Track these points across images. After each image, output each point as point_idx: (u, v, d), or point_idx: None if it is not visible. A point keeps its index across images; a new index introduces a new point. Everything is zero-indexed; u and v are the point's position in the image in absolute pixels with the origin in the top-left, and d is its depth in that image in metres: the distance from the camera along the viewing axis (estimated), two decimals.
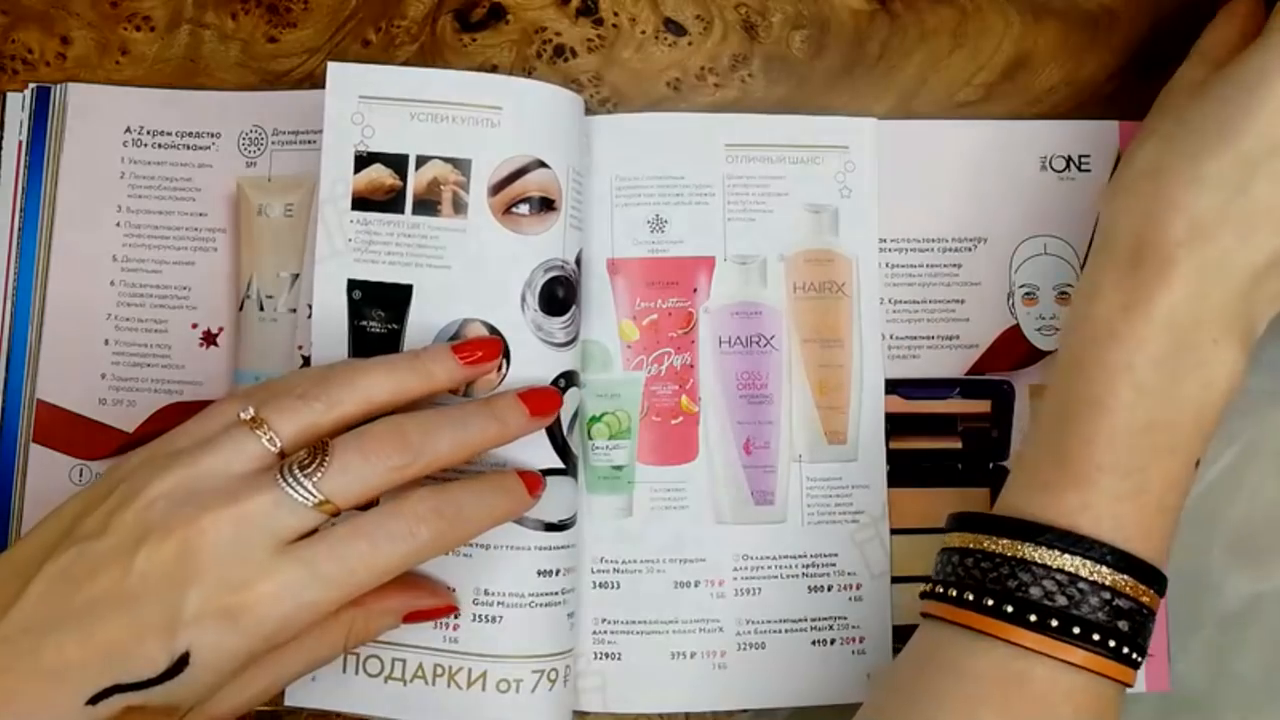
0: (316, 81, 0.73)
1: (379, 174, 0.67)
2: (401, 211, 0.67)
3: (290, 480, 0.53)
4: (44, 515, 0.56)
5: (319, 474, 0.53)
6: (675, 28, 0.75)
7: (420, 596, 0.63)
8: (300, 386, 0.57)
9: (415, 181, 0.67)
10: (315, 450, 0.54)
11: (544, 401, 0.63)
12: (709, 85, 0.74)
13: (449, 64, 0.74)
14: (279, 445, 0.55)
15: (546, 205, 0.67)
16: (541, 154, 0.67)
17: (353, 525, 0.54)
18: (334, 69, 0.68)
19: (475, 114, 0.67)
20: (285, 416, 0.56)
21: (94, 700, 0.48)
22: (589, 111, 0.72)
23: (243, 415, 0.55)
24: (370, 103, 0.67)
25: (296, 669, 0.58)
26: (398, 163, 0.67)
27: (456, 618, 0.66)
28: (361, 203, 0.67)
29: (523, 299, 0.66)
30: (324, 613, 0.53)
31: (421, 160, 0.67)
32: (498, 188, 0.67)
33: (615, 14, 0.74)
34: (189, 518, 0.51)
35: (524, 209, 0.67)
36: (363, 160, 0.67)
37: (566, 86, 0.69)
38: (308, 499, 0.53)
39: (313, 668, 0.59)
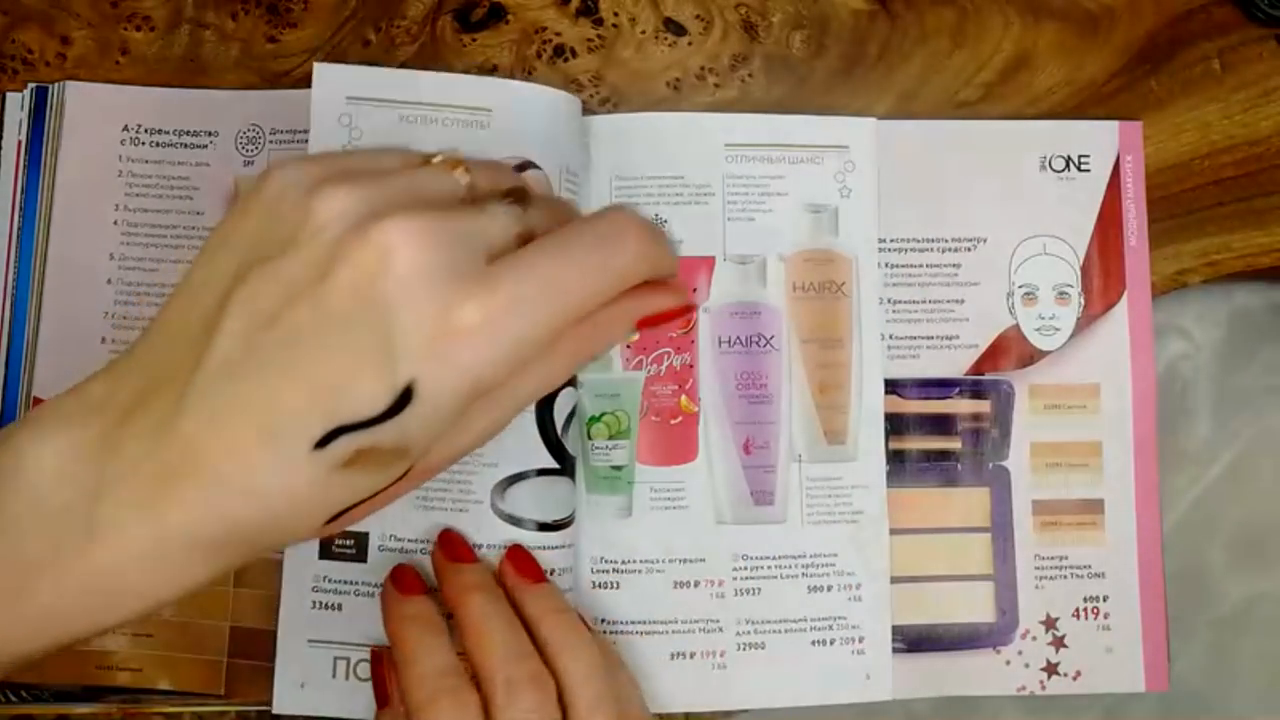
0: None
1: None
2: None
3: (491, 204, 0.47)
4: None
5: (519, 207, 0.47)
6: (675, 28, 0.74)
7: (653, 296, 0.52)
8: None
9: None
10: (512, 192, 0.49)
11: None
12: (709, 85, 0.74)
13: (449, 64, 0.74)
14: (475, 188, 0.49)
15: None
16: (532, 155, 0.67)
17: (556, 233, 0.47)
18: (320, 69, 0.68)
19: (465, 116, 0.68)
20: (483, 166, 0.51)
21: (322, 444, 0.43)
22: (588, 111, 0.72)
23: (434, 159, 0.50)
24: (358, 104, 0.68)
25: (527, 395, 0.50)
26: None
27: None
28: None
29: None
30: (551, 328, 0.45)
31: None
32: None
33: (615, 14, 0.74)
34: (384, 229, 0.43)
35: None
36: None
37: (566, 87, 0.70)
38: (509, 224, 0.47)
39: (542, 392, 0.51)
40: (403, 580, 0.63)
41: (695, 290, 0.72)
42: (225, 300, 0.44)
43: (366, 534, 0.68)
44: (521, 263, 0.45)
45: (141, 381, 0.45)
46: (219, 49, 0.74)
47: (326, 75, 0.68)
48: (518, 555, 0.65)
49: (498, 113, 0.67)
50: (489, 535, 0.66)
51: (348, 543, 0.67)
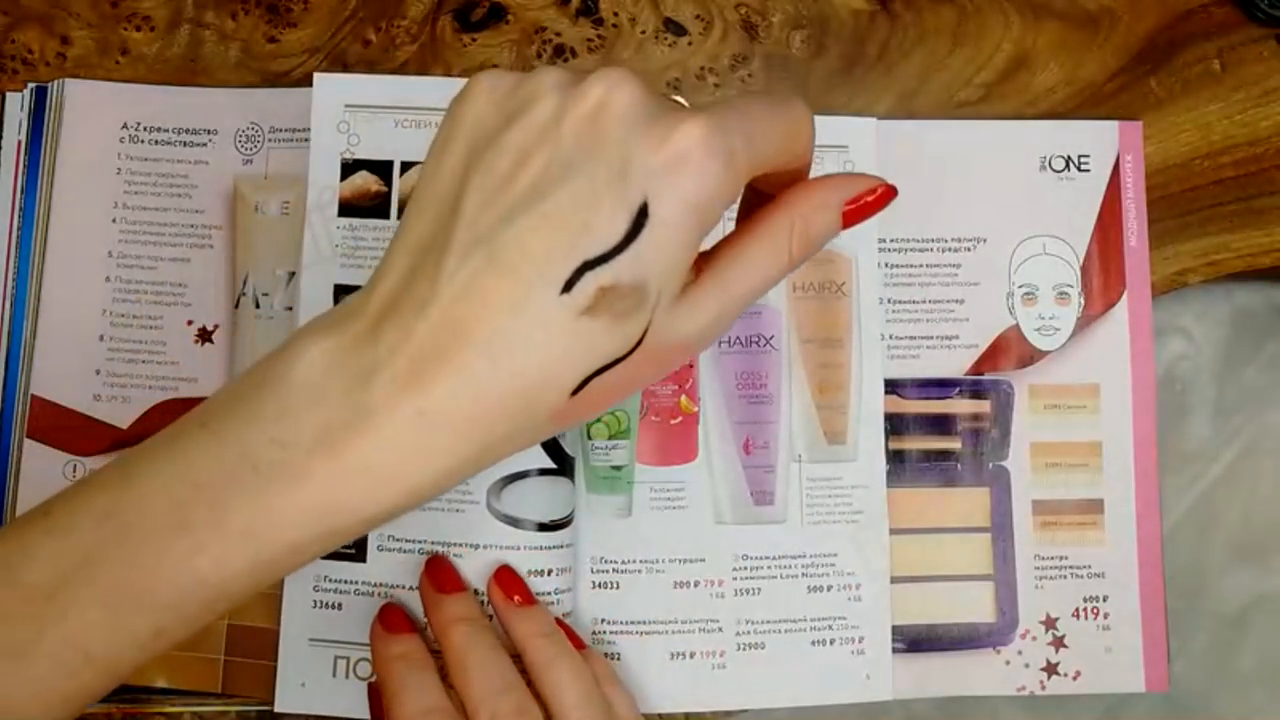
0: None
1: (365, 180, 0.69)
2: (387, 217, 0.69)
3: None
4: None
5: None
6: (675, 28, 0.75)
7: (850, 183, 0.54)
8: None
9: (401, 186, 0.69)
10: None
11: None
12: (709, 85, 0.74)
13: (449, 64, 0.74)
14: None
15: None
16: None
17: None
18: (320, 79, 0.70)
19: None
20: None
21: (567, 287, 0.46)
22: None
23: None
24: (356, 111, 0.69)
25: (748, 284, 0.52)
26: (383, 169, 0.69)
27: None
28: (349, 209, 0.69)
29: None
30: (757, 154, 0.49)
31: (406, 166, 0.69)
32: None
33: (615, 14, 0.75)
34: (592, 81, 0.48)
35: None
36: (349, 167, 0.69)
37: None
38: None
39: (764, 289, 0.53)
40: (390, 620, 0.64)
41: None
42: (463, 181, 0.48)
43: (365, 534, 0.68)
44: (714, 104, 0.48)
45: (393, 284, 0.49)
46: (219, 49, 0.74)
47: (325, 85, 0.70)
48: (505, 577, 0.65)
49: None
50: (486, 536, 0.66)
51: (348, 543, 0.66)
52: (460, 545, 0.66)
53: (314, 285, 0.69)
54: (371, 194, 0.69)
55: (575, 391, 0.48)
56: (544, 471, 0.67)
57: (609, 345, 0.48)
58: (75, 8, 0.74)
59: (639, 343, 0.48)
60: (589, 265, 0.46)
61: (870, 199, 0.54)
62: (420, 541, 0.67)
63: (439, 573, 0.65)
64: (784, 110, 0.51)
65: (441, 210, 0.49)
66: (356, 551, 0.68)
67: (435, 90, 0.69)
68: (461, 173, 0.49)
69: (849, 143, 0.73)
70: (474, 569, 0.66)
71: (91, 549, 0.48)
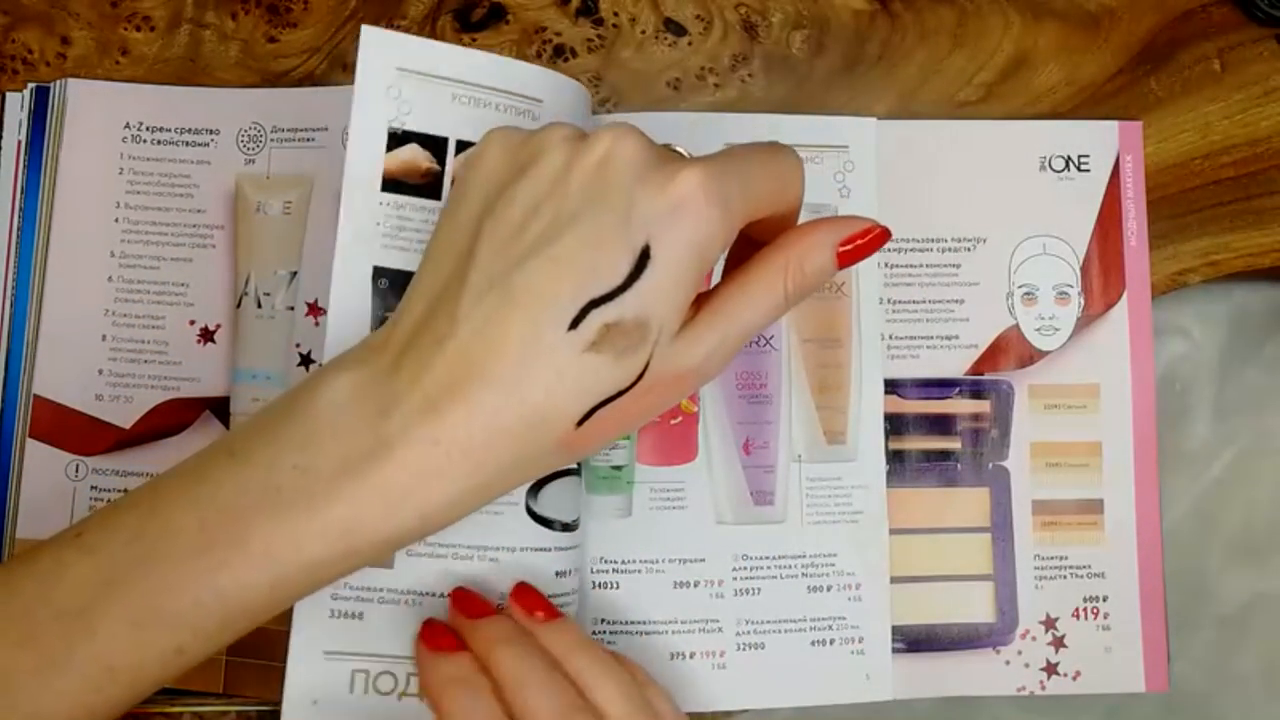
0: (317, 81, 0.73)
1: (414, 155, 0.63)
2: (439, 198, 0.64)
3: None
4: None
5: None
6: (675, 28, 0.75)
7: (845, 223, 0.56)
8: None
9: (454, 168, 0.64)
10: None
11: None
12: (709, 85, 0.74)
13: None
14: None
15: None
16: None
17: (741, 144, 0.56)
18: (368, 33, 0.63)
19: (518, 104, 0.64)
20: None
21: (574, 324, 0.49)
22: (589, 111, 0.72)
23: None
24: (408, 76, 0.63)
25: (745, 322, 0.55)
26: (436, 145, 0.63)
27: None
28: (393, 184, 0.63)
29: None
30: (751, 200, 0.53)
31: (462, 145, 0.64)
32: None
33: (615, 14, 0.75)
34: (598, 135, 0.52)
35: None
36: (396, 139, 0.63)
37: None
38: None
39: (761, 324, 0.56)
40: (436, 639, 0.60)
41: None
42: (477, 232, 0.52)
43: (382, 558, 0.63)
44: (711, 155, 0.53)
45: (412, 324, 0.52)
46: (219, 49, 0.74)
47: (374, 41, 0.63)
48: (525, 594, 0.63)
49: (547, 104, 0.65)
50: (521, 539, 0.64)
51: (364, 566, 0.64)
52: (496, 549, 0.63)
53: (349, 265, 0.62)
54: (422, 171, 0.63)
55: (581, 422, 0.51)
56: (562, 473, 0.66)
57: (613, 378, 0.51)
58: (75, 8, 0.73)
59: (641, 375, 0.51)
60: (594, 303, 0.49)
61: (864, 240, 0.56)
62: (448, 545, 0.63)
63: (468, 602, 0.62)
64: (777, 160, 0.55)
65: (458, 258, 0.53)
66: None
67: (495, 67, 0.64)
68: (476, 223, 0.53)
69: (848, 143, 0.73)
70: (506, 574, 0.63)
71: (119, 569, 0.50)
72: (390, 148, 0.63)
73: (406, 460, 0.50)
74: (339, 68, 0.74)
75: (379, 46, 0.63)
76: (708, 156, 0.52)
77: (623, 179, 0.50)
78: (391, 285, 0.62)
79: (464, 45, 0.73)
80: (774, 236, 0.56)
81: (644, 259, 0.50)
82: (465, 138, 0.63)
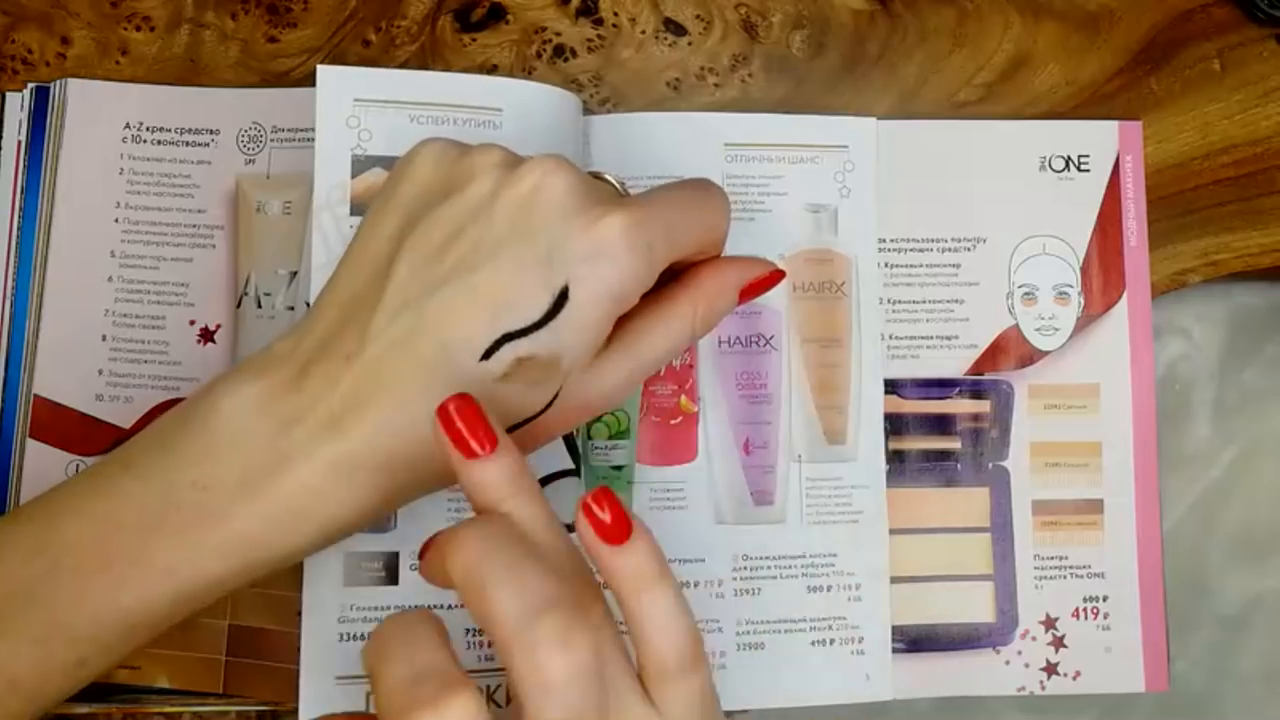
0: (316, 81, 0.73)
1: (378, 177, 0.66)
2: None
3: None
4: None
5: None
6: (675, 28, 0.75)
7: (750, 266, 0.61)
8: None
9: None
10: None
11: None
12: (709, 85, 0.74)
13: (449, 64, 0.74)
14: None
15: None
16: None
17: (674, 182, 0.57)
18: (324, 72, 0.66)
19: (477, 116, 0.67)
20: None
21: (487, 355, 0.50)
22: (588, 111, 0.72)
23: None
24: (367, 105, 0.67)
25: (653, 354, 0.57)
26: None
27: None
28: (361, 208, 0.66)
29: None
30: (674, 245, 0.54)
31: None
32: None
33: (615, 14, 0.75)
34: (530, 167, 0.52)
35: None
36: (360, 163, 0.66)
37: (566, 87, 0.69)
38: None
39: (669, 355, 0.57)
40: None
41: None
42: (398, 247, 0.52)
43: (396, 554, 0.65)
44: (642, 197, 0.54)
45: (322, 334, 0.52)
46: (219, 49, 0.74)
47: (330, 78, 0.66)
48: (606, 500, 0.48)
49: (508, 112, 0.67)
50: None
51: (376, 565, 0.65)
52: None
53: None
54: None
55: None
56: (564, 473, 0.67)
57: (520, 407, 0.52)
58: (75, 8, 0.73)
59: (550, 404, 0.53)
60: (509, 337, 0.50)
61: (763, 281, 0.60)
62: None
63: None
64: (705, 203, 0.57)
65: (375, 270, 0.52)
66: (387, 574, 0.65)
67: (450, 85, 0.68)
68: (397, 237, 0.53)
69: (848, 143, 0.73)
70: None
71: (21, 583, 0.50)
72: (355, 173, 0.66)
73: (307, 478, 0.50)
74: None
75: (334, 83, 0.66)
76: (637, 198, 0.54)
77: (548, 215, 0.51)
78: None
79: (464, 46, 0.73)
80: (696, 264, 0.58)
81: (562, 298, 0.50)
82: None
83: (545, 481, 0.66)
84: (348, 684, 0.63)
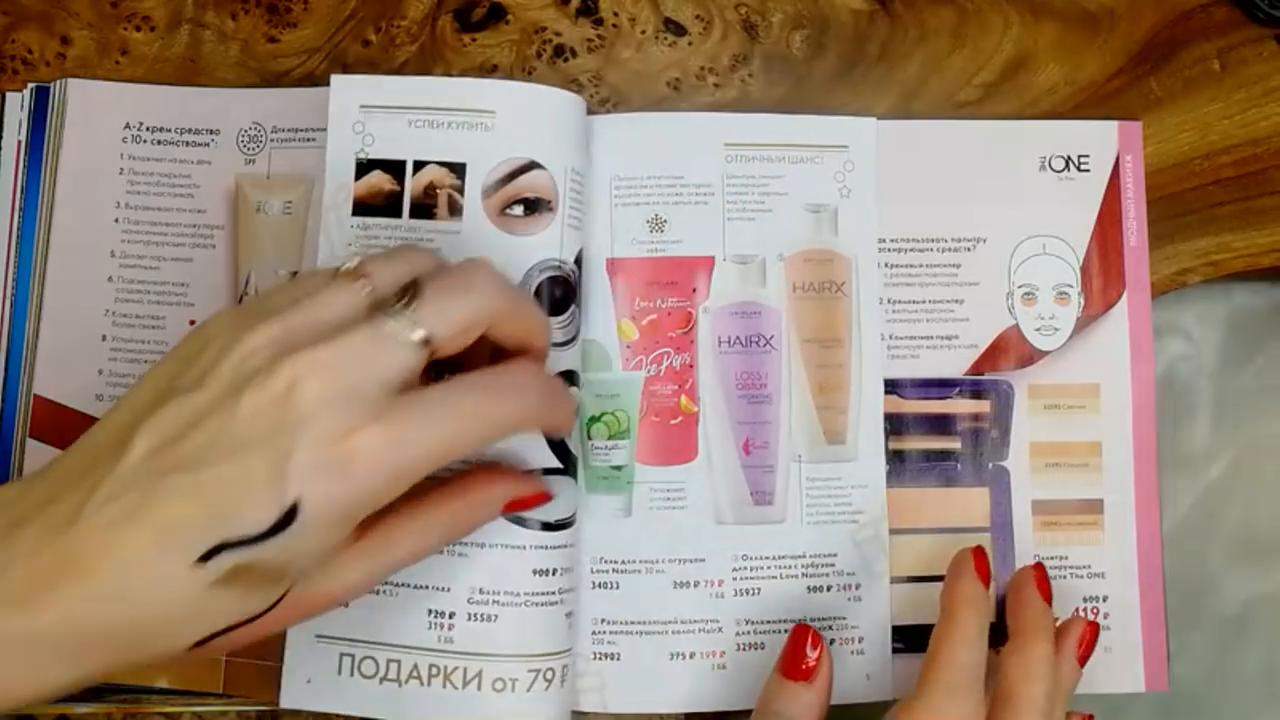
0: (317, 81, 0.73)
1: (378, 179, 0.69)
2: (399, 216, 0.69)
3: (388, 317, 0.51)
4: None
5: (414, 307, 0.51)
6: (675, 28, 0.75)
7: (519, 484, 0.62)
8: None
9: (412, 186, 0.68)
10: (407, 288, 0.52)
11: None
12: (709, 85, 0.74)
13: (449, 64, 0.74)
14: (376, 291, 0.53)
15: (542, 206, 0.68)
16: (536, 155, 0.68)
17: (462, 378, 0.53)
18: (337, 80, 0.70)
19: (470, 118, 0.68)
20: (382, 264, 0.54)
21: (204, 559, 0.46)
22: (589, 111, 0.72)
23: (342, 269, 0.54)
24: (371, 111, 0.69)
25: (401, 556, 0.56)
26: (396, 168, 0.69)
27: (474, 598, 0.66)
28: (362, 208, 0.69)
29: None
30: (434, 463, 0.51)
31: (419, 165, 0.69)
32: (492, 190, 0.68)
33: (615, 14, 0.75)
34: (291, 363, 0.48)
35: (518, 210, 0.68)
36: (363, 167, 0.69)
37: (566, 87, 0.70)
38: (407, 334, 0.51)
39: (418, 558, 0.57)
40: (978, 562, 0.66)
41: (695, 290, 0.72)
42: (138, 423, 0.49)
43: None
44: (417, 405, 0.50)
45: (51, 488, 0.49)
46: (219, 49, 0.74)
47: (342, 86, 0.70)
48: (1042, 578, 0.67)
49: (501, 114, 0.68)
50: (492, 535, 0.66)
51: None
52: (466, 544, 0.66)
53: None
54: (385, 193, 0.69)
55: (201, 644, 0.49)
56: (548, 471, 0.67)
57: (238, 612, 0.49)
58: (75, 8, 0.74)
59: (275, 605, 0.50)
60: (229, 545, 0.47)
61: (528, 501, 0.62)
62: None
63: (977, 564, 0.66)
64: (505, 399, 0.54)
65: (117, 440, 0.49)
66: None
67: (446, 89, 0.69)
68: (145, 410, 0.49)
69: (848, 142, 0.73)
70: (476, 567, 0.66)
71: None
72: (358, 176, 0.69)
73: None
74: (339, 68, 0.74)
75: (345, 90, 0.70)
76: (409, 407, 0.50)
77: (293, 422, 0.48)
78: None
79: (464, 46, 0.73)
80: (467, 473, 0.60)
81: (291, 514, 0.47)
82: (421, 157, 0.69)
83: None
84: (324, 643, 0.67)
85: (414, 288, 0.52)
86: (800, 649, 0.64)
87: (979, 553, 0.65)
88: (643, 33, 0.75)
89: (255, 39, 0.74)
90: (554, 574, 0.66)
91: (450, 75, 0.74)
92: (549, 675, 0.66)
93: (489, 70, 0.74)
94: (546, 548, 0.66)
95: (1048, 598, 0.64)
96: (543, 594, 0.66)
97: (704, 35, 0.75)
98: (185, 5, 0.74)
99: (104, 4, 0.74)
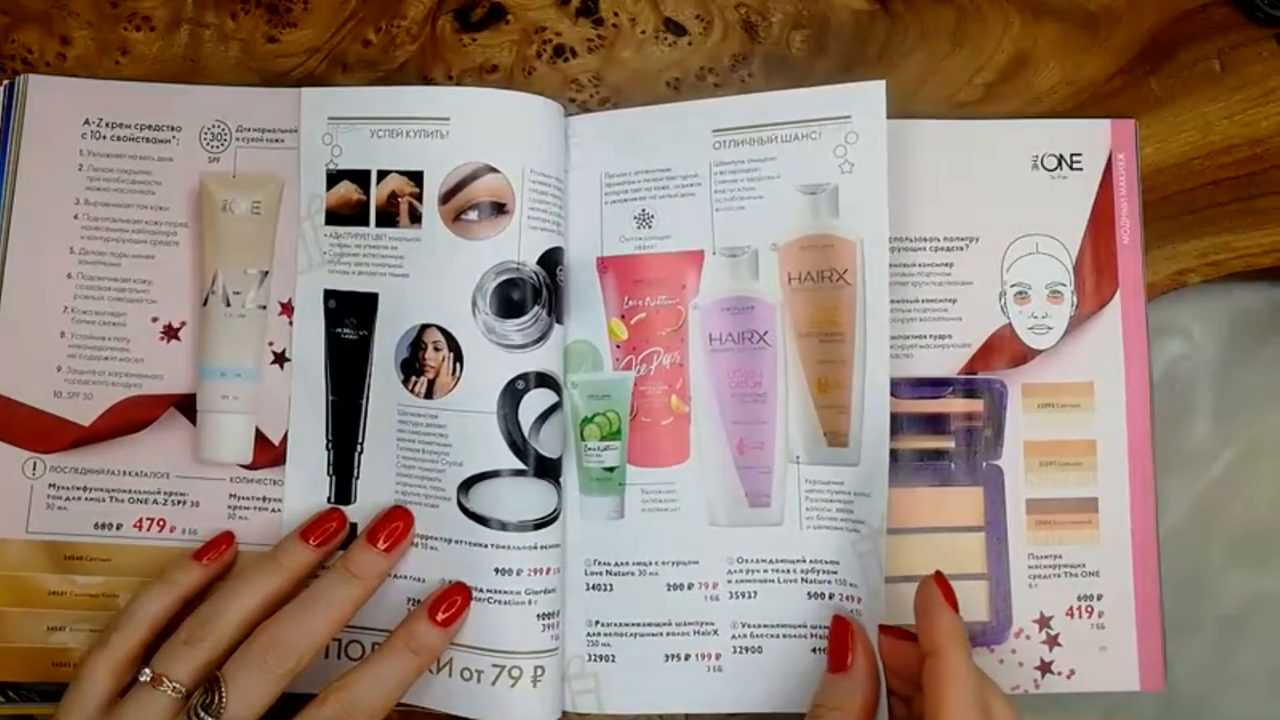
0: (316, 81, 0.74)
1: (346, 190, 0.71)
2: (366, 224, 0.71)
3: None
4: None
5: (221, 707, 0.58)
6: (675, 28, 0.75)
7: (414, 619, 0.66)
8: (184, 632, 0.62)
9: (376, 195, 0.71)
10: (210, 685, 0.59)
11: (390, 534, 0.67)
12: (709, 85, 0.75)
13: (449, 64, 0.74)
14: (182, 690, 0.59)
15: (497, 209, 0.69)
16: (490, 160, 0.69)
17: None
18: (307, 94, 0.73)
19: (425, 127, 0.70)
20: (179, 664, 0.60)
21: None
22: (589, 111, 0.72)
23: (142, 679, 0.60)
24: (338, 123, 0.72)
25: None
26: (362, 178, 0.71)
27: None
28: (334, 217, 0.71)
29: (474, 303, 0.68)
30: None
31: (381, 175, 0.71)
32: (447, 196, 0.69)
33: (615, 14, 0.75)
34: None
35: (473, 215, 0.69)
36: (333, 177, 0.71)
37: (566, 86, 0.70)
38: None
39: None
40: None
41: (684, 287, 0.72)
42: None
43: (355, 525, 0.69)
44: None
45: None
46: (219, 49, 0.74)
47: (312, 100, 0.73)
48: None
49: (455, 121, 0.70)
50: (455, 531, 0.68)
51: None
52: (435, 539, 0.68)
53: (307, 291, 0.72)
54: (353, 203, 0.71)
55: None
56: (517, 472, 0.67)
57: None
58: (75, 8, 0.74)
59: None
60: None
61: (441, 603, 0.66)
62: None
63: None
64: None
65: None
66: (345, 545, 0.69)
67: (406, 98, 0.71)
68: None
69: (851, 112, 0.70)
70: (447, 561, 0.68)
71: None
72: (329, 186, 0.71)
73: None
74: (339, 68, 0.74)
75: (315, 103, 0.73)
76: None
77: None
78: (338, 305, 0.72)
79: (464, 45, 0.74)
80: None
81: None
82: (383, 167, 0.71)
83: (473, 480, 0.69)
84: None
85: (216, 684, 0.59)
86: (838, 640, 0.66)
87: (940, 580, 0.64)
88: (643, 33, 0.75)
89: (255, 39, 0.74)
90: (518, 574, 0.67)
91: (447, 77, 0.74)
92: (514, 673, 0.67)
93: (489, 70, 0.74)
94: (509, 548, 0.67)
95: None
96: (505, 593, 0.67)
97: (704, 35, 0.75)
98: (185, 5, 0.74)
99: (104, 4, 0.74)
